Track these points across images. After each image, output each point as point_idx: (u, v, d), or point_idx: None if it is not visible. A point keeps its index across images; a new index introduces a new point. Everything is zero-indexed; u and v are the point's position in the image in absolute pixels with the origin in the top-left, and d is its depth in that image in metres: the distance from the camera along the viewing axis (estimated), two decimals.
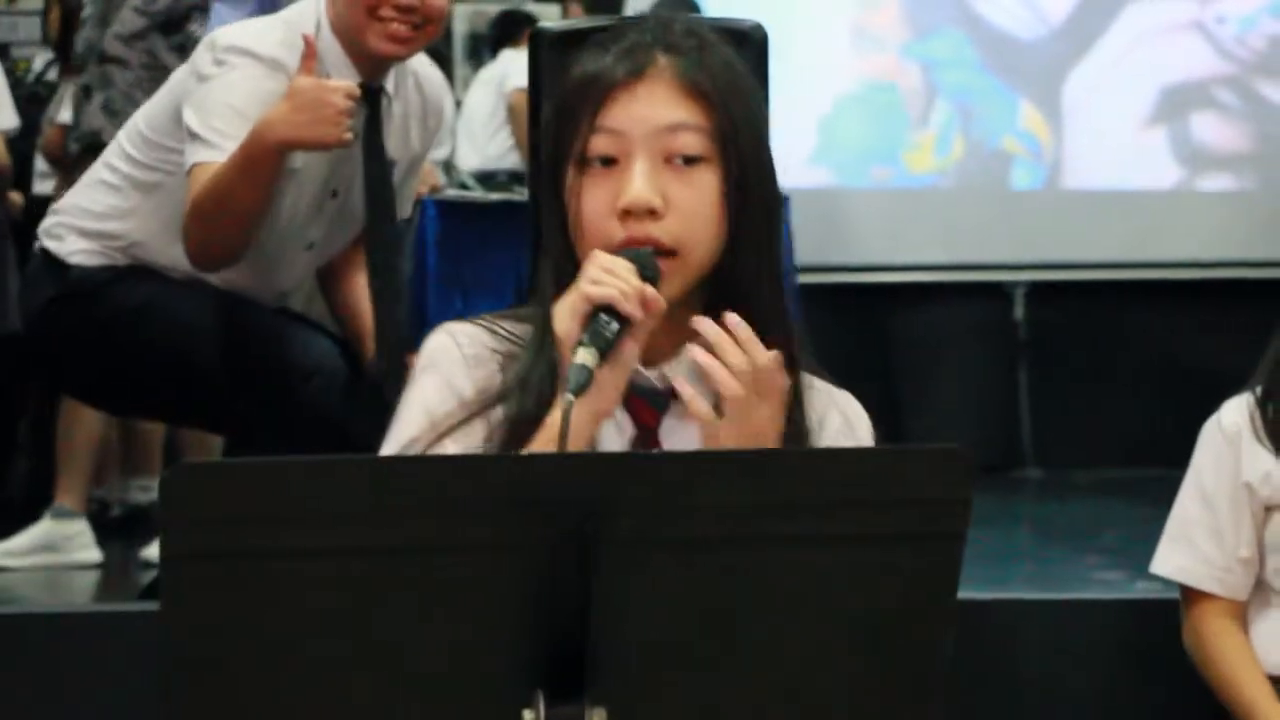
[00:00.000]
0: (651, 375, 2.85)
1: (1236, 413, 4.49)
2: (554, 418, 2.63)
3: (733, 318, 2.77)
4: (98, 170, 6.51)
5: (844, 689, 2.42)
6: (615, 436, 2.85)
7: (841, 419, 2.95)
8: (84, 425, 8.39)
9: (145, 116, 6.52)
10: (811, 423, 2.89)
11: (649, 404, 2.87)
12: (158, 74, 8.42)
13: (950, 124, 11.93)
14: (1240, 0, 11.26)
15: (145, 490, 8.78)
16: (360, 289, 6.48)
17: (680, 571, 2.30)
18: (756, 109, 2.93)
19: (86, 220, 6.40)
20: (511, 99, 9.37)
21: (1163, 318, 9.95)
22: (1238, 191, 10.43)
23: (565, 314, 2.67)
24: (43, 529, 7.73)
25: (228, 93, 6.13)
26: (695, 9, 10.14)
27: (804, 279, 8.74)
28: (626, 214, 2.75)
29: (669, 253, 2.76)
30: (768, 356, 2.74)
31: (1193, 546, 4.48)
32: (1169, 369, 9.68)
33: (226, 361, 6.23)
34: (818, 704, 2.42)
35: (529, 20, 10.52)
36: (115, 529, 8.02)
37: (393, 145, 6.39)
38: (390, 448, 2.85)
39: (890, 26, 11.88)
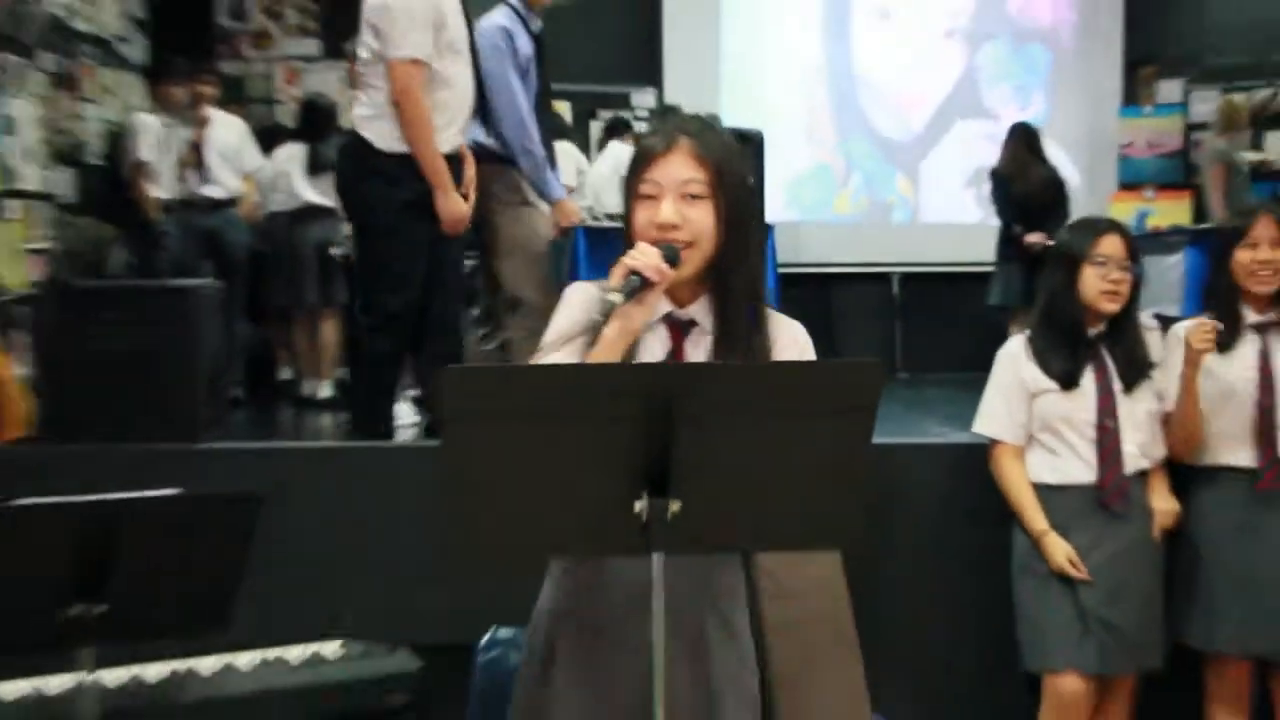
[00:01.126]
0: (681, 312, 2.88)
1: (1017, 342, 4.55)
2: (604, 332, 2.73)
3: None
4: None
5: (812, 492, 2.48)
6: (658, 347, 2.88)
7: (789, 338, 2.95)
8: None
9: None
10: (771, 341, 2.90)
11: (679, 328, 2.89)
12: None
13: (859, 187, 11.83)
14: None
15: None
16: None
17: (720, 429, 2.38)
18: (739, 168, 2.95)
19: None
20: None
21: (973, 290, 9.67)
22: None
23: (615, 272, 2.72)
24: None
25: None
26: (718, 121, 9.81)
27: (781, 271, 8.66)
28: (659, 227, 2.79)
29: (686, 246, 2.79)
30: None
31: (995, 415, 4.49)
32: (979, 316, 9.45)
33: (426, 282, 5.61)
34: (797, 503, 2.49)
35: (626, 124, 10.31)
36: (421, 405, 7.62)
37: None
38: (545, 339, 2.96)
39: (827, 132, 11.75)
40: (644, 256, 2.72)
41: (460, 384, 2.41)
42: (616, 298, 2.68)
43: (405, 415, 6.82)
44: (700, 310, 2.89)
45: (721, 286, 2.87)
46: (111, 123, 9.48)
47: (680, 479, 2.37)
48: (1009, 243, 9.53)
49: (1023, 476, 4.51)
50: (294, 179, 8.87)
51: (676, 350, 2.88)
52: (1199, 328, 4.38)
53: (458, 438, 2.38)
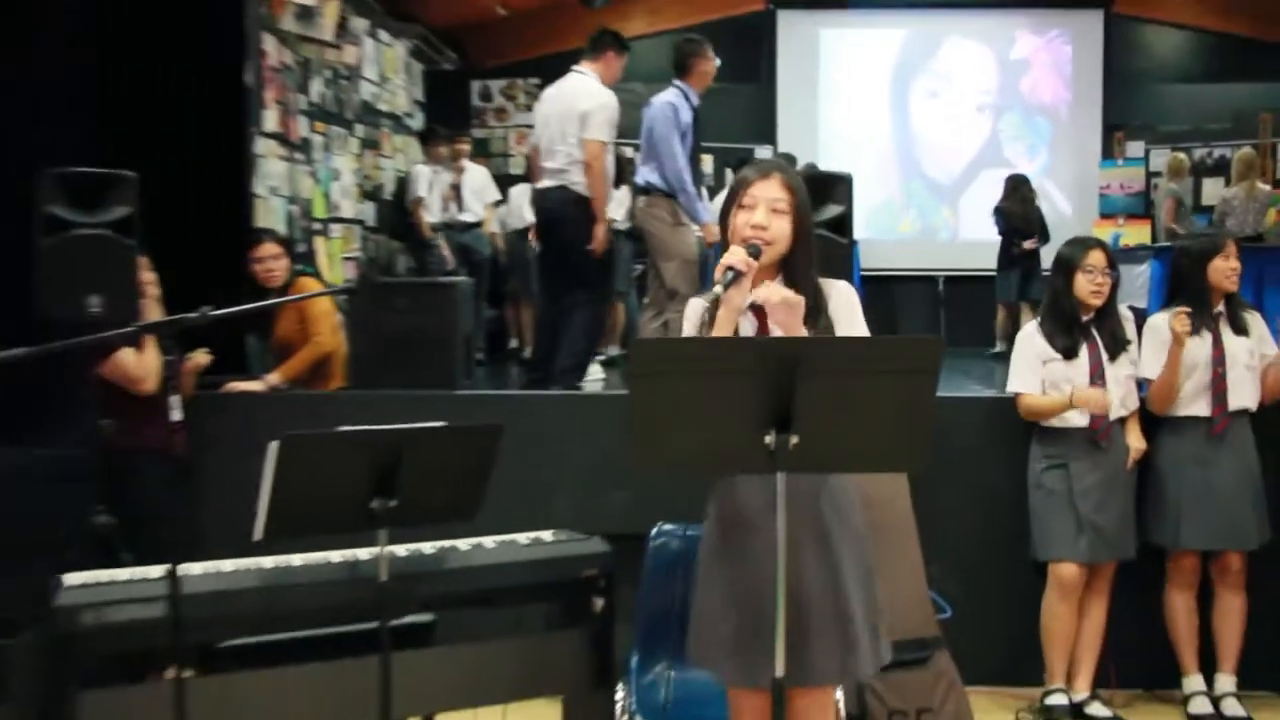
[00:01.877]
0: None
1: (1032, 325, 4.49)
2: (717, 315, 2.71)
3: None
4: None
5: (892, 430, 2.42)
6: (748, 326, 2.82)
7: (839, 296, 2.86)
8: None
9: None
10: (824, 302, 2.82)
11: (760, 311, 2.79)
12: None
13: (915, 215, 11.66)
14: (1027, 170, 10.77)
15: (614, 350, 8.12)
16: None
17: (828, 384, 2.32)
18: (807, 197, 2.86)
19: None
20: None
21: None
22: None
23: (717, 271, 2.69)
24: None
25: None
26: (793, 162, 9.66)
27: (862, 274, 8.56)
28: (753, 226, 2.77)
29: (767, 244, 2.77)
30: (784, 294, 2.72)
31: (1020, 376, 4.40)
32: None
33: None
34: (881, 437, 2.43)
35: (744, 162, 10.16)
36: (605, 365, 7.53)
37: None
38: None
39: (893, 176, 11.62)
40: (734, 255, 2.70)
41: (645, 350, 2.44)
42: (719, 289, 2.65)
43: (595, 372, 6.87)
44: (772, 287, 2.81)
45: (792, 274, 2.80)
46: (400, 172, 9.62)
47: (798, 419, 2.32)
48: (1008, 255, 9.81)
49: (1044, 402, 4.38)
50: (524, 208, 8.83)
51: (762, 327, 2.82)
52: (1178, 316, 4.30)
53: (642, 387, 2.34)
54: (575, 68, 6.08)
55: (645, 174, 6.09)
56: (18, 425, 4.64)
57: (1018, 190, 9.87)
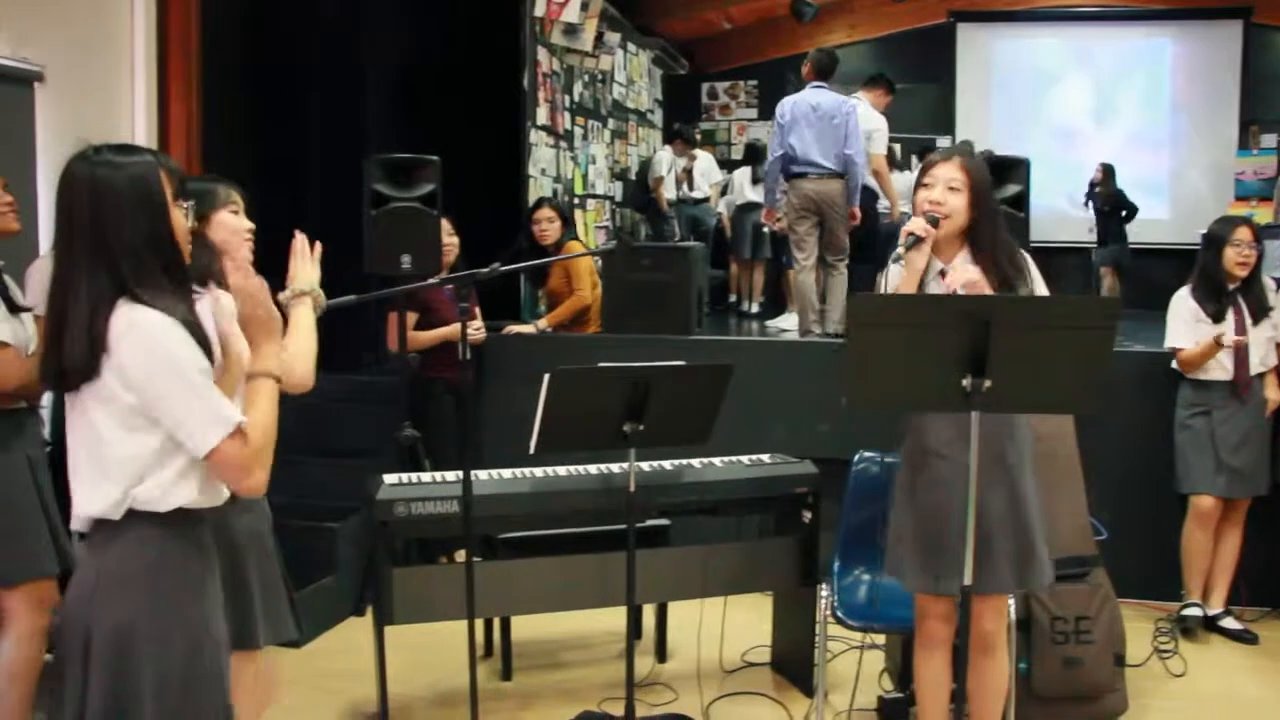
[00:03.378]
0: (945, 266, 2.61)
1: (1185, 290, 4.20)
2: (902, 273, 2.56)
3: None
4: None
5: (1071, 376, 2.19)
6: (936, 289, 2.61)
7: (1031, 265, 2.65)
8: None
9: None
10: (1026, 271, 2.61)
11: (942, 275, 2.61)
12: None
13: (1071, 195, 10.66)
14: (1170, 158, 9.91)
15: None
16: None
17: (1019, 336, 2.12)
18: (986, 177, 2.65)
19: None
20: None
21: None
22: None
23: (901, 235, 2.55)
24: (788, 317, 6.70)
25: None
26: (972, 148, 8.96)
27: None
28: (930, 203, 2.59)
29: (944, 217, 2.57)
30: (969, 277, 2.52)
31: (1177, 333, 4.08)
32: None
33: None
34: (1062, 383, 2.22)
35: (930, 147, 9.43)
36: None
37: None
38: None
39: (1052, 160, 10.36)
40: (915, 224, 2.56)
41: (863, 304, 2.27)
42: (901, 250, 2.52)
43: (787, 322, 6.71)
44: (958, 263, 2.60)
45: (977, 244, 2.60)
46: (643, 157, 9.57)
47: (992, 366, 2.14)
48: (1112, 229, 9.25)
49: (1197, 352, 4.07)
50: (744, 187, 8.80)
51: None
52: None
53: (860, 336, 2.18)
54: (856, 94, 5.93)
55: (835, 161, 5.53)
56: (346, 358, 4.77)
57: (1112, 176, 9.28)
